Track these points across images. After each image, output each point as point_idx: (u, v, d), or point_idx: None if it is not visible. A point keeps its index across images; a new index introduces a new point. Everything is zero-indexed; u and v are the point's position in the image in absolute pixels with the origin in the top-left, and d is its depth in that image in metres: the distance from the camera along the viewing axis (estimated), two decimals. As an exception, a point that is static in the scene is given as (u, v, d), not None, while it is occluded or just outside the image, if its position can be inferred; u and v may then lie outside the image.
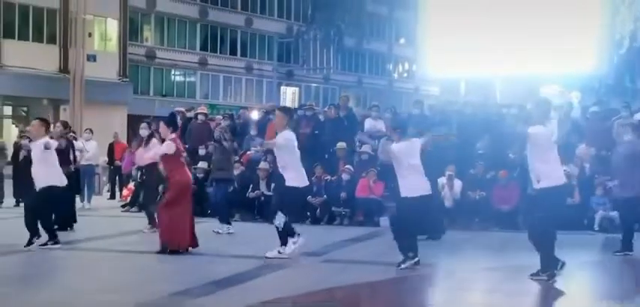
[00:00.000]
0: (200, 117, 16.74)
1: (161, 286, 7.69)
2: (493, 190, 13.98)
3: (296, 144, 9.80)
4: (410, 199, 9.07)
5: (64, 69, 34.55)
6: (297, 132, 15.62)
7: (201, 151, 15.92)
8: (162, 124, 10.62)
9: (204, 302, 7.00)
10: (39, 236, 10.35)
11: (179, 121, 17.20)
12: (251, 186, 14.98)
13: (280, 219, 9.54)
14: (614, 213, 13.16)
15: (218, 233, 12.20)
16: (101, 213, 16.25)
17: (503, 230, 13.25)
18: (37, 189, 10.34)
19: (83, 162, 16.54)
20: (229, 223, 12.59)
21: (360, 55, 58.10)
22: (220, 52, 48.08)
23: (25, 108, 35.15)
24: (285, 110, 10.93)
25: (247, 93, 49.28)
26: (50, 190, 10.32)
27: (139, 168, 14.20)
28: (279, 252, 9.55)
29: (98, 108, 32.99)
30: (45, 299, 7.16)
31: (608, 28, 23.83)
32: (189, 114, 17.28)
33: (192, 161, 15.96)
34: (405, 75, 62.70)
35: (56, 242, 10.35)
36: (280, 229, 9.56)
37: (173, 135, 10.32)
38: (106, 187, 21.39)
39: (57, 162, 10.60)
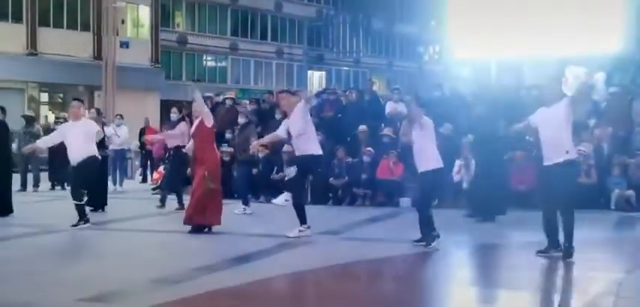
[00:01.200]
0: (228, 101, 17.23)
1: (183, 262, 8.18)
2: (511, 171, 14.23)
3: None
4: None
5: (98, 55, 35.35)
6: (320, 115, 16.25)
7: (228, 135, 16.39)
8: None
9: (223, 276, 7.46)
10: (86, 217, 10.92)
11: (208, 106, 17.81)
12: (276, 168, 15.43)
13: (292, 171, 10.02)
14: (631, 192, 13.43)
15: (237, 213, 12.66)
16: (132, 196, 16.84)
17: (520, 209, 13.51)
18: (76, 165, 10.85)
19: (115, 147, 17.22)
20: (247, 204, 13.04)
21: (390, 38, 58.22)
22: (251, 37, 48.64)
23: (61, 95, 36.05)
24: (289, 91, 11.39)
25: (278, 78, 49.80)
26: (88, 162, 10.84)
27: (167, 150, 14.75)
28: (299, 231, 9.98)
29: (131, 94, 33.76)
30: (78, 273, 7.70)
31: (635, 7, 23.78)
32: (218, 99, 17.77)
33: (218, 144, 16.51)
34: (436, 57, 62.59)
35: (86, 222, 10.91)
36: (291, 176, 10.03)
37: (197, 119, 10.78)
38: (139, 171, 22.05)
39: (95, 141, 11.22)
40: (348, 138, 16.00)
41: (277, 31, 50.37)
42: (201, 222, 10.38)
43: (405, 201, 14.38)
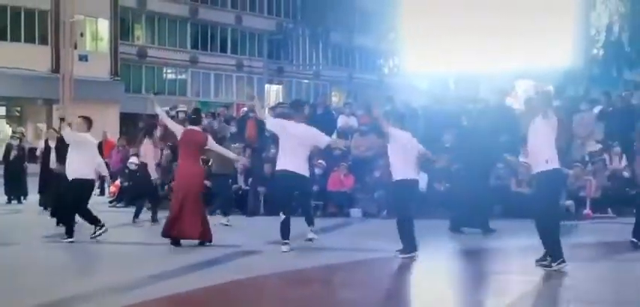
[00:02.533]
0: (180, 114, 17.59)
1: (139, 271, 8.57)
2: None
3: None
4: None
5: (57, 69, 35.38)
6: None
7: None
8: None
9: (176, 283, 7.86)
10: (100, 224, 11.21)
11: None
12: (230, 180, 15.80)
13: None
14: (570, 202, 14.09)
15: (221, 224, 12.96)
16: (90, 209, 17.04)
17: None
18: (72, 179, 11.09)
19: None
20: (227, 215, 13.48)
21: (350, 50, 58.89)
22: (211, 50, 48.94)
23: (18, 109, 35.98)
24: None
25: (238, 90, 50.12)
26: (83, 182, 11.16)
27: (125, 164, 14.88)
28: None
29: (90, 107, 33.62)
30: (33, 281, 8.01)
31: (583, 23, 24.68)
32: (172, 113, 18.10)
33: (173, 157, 16.86)
34: (396, 70, 63.42)
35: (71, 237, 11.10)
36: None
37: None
38: (96, 184, 22.16)
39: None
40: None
41: (237, 44, 50.75)
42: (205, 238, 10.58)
43: (356, 212, 14.89)
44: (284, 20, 51.87)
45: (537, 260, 8.74)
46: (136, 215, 13.96)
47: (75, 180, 11.02)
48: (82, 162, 11.04)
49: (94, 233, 11.13)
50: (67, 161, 11.18)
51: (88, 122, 11.56)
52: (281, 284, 8.20)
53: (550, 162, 8.74)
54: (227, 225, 13.02)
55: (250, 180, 15.66)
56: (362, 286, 8.37)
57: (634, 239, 10.38)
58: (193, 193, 10.50)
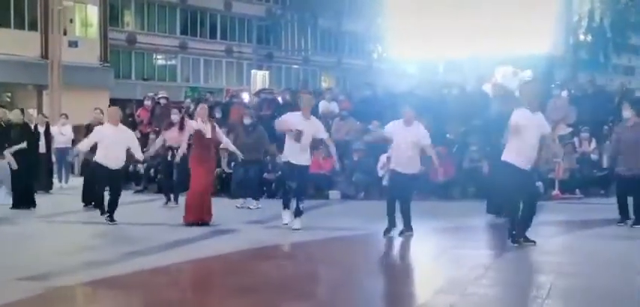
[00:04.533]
0: (162, 100, 18.03)
1: (118, 248, 9.10)
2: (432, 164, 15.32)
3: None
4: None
5: (46, 55, 35.62)
6: (259, 114, 17.17)
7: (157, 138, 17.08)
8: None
9: (153, 259, 8.38)
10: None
11: (149, 105, 18.64)
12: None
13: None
14: (539, 183, 14.61)
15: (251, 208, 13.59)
16: (78, 192, 17.52)
17: (439, 200, 14.63)
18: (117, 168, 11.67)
19: (60, 145, 17.93)
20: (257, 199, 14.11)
21: (339, 35, 59.20)
22: (200, 36, 49.27)
23: (9, 94, 36.25)
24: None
25: (228, 76, 50.48)
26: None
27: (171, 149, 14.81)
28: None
29: (80, 93, 34.11)
30: (18, 257, 8.51)
31: (566, 10, 25.23)
32: (156, 98, 18.59)
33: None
34: (385, 55, 63.80)
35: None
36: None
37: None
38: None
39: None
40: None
41: (226, 29, 51.07)
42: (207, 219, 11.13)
43: (334, 194, 15.43)
44: (273, 6, 52.20)
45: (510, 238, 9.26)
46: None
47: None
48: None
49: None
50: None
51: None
52: (246, 259, 8.73)
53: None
54: (258, 208, 13.51)
55: (233, 164, 16.11)
56: (329, 261, 8.91)
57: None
58: (210, 184, 11.40)
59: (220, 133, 11.84)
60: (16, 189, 13.44)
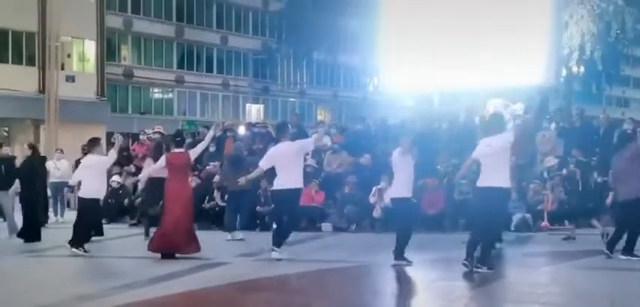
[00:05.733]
0: (155, 135, 18.26)
1: (107, 282, 9.23)
2: (423, 196, 15.52)
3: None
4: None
5: (43, 90, 35.92)
6: (251, 147, 17.38)
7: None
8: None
9: (140, 292, 8.52)
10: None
11: (145, 140, 18.86)
12: (207, 197, 16.47)
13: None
14: (528, 215, 14.82)
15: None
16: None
17: (429, 232, 14.76)
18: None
19: (55, 180, 18.13)
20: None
21: (335, 68, 59.60)
22: (197, 70, 49.67)
23: (6, 129, 36.48)
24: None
25: (224, 109, 50.80)
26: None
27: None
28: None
29: (77, 127, 34.30)
30: (8, 291, 8.65)
31: (556, 43, 25.49)
32: (149, 134, 18.83)
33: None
34: (380, 87, 64.07)
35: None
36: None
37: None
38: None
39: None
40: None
41: (223, 63, 51.49)
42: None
43: (326, 226, 15.58)
44: (269, 40, 52.67)
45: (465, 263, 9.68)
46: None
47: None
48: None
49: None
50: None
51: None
52: (235, 292, 8.87)
53: (494, 180, 9.52)
54: (242, 239, 13.66)
55: (226, 196, 16.25)
56: (317, 294, 9.04)
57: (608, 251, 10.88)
58: (187, 211, 11.45)
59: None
60: (27, 222, 13.81)
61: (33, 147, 15.48)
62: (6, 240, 13.44)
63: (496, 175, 9.64)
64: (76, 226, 12.17)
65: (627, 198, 10.88)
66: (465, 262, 9.66)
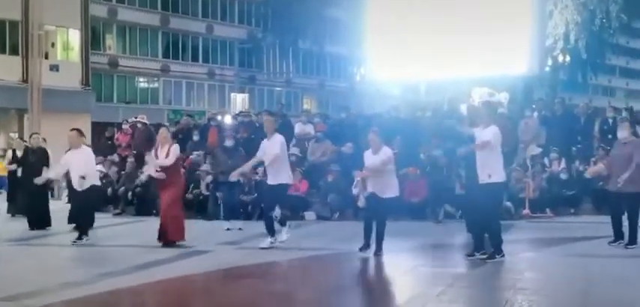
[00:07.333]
0: (140, 125, 18.28)
1: (92, 269, 9.28)
2: (405, 185, 15.63)
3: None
4: None
5: (27, 79, 35.72)
6: (236, 136, 17.40)
7: (147, 157, 17.35)
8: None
9: (124, 280, 8.58)
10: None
11: (128, 129, 18.87)
12: (191, 186, 16.50)
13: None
14: (509, 204, 14.95)
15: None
16: (57, 215, 17.63)
17: (413, 219, 14.89)
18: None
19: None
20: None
21: (321, 58, 59.62)
22: (182, 59, 49.54)
23: (-10, 118, 36.32)
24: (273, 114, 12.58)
25: (210, 99, 50.73)
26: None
27: None
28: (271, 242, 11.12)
29: (61, 117, 34.12)
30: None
31: (540, 33, 25.65)
32: (134, 122, 18.85)
33: (138, 164, 17.56)
34: (367, 76, 64.16)
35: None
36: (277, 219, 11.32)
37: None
38: (66, 192, 22.73)
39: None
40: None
41: (208, 52, 51.39)
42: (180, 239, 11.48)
43: (310, 215, 15.67)
44: (255, 29, 52.59)
45: (467, 254, 9.94)
46: None
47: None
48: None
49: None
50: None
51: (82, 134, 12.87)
52: (210, 280, 8.94)
53: (492, 177, 9.61)
54: (229, 230, 13.62)
55: (218, 186, 16.21)
56: (300, 281, 9.14)
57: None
58: (174, 201, 11.48)
59: (167, 155, 11.74)
60: (33, 211, 14.15)
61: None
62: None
63: (494, 170, 9.73)
64: (84, 215, 12.44)
65: (631, 191, 10.55)
66: (482, 256, 9.77)
